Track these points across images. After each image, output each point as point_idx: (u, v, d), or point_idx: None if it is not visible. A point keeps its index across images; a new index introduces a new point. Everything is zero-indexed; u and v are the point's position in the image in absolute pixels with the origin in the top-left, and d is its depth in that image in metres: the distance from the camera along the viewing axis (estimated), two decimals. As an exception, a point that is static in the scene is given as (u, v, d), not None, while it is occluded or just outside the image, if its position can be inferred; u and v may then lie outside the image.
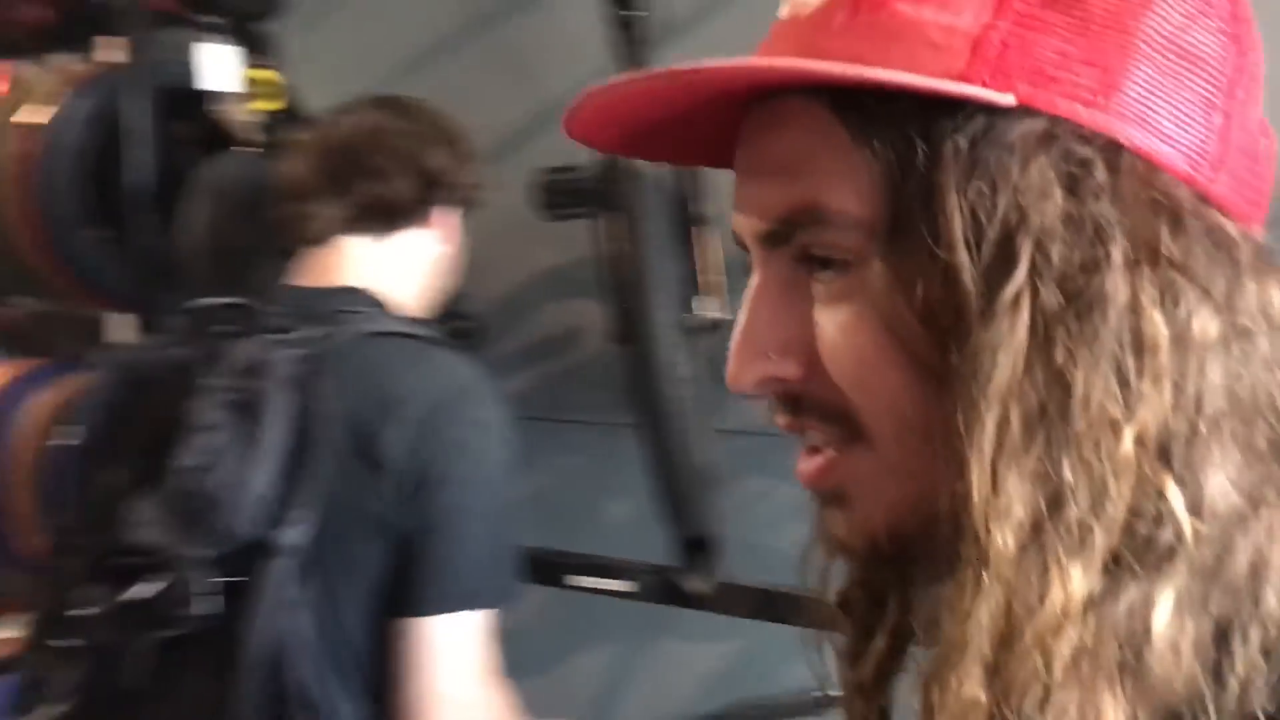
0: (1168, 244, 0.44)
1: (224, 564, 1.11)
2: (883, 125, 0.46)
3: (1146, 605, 0.42)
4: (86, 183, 2.06)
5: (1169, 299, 0.43)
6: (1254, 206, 0.49)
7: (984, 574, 0.43)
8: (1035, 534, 0.42)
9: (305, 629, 1.14)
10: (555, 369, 2.33)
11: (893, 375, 0.47)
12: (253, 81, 1.83)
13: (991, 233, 0.44)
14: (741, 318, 0.52)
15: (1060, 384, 0.43)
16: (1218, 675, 0.42)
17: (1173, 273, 0.44)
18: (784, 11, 0.52)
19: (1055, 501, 0.42)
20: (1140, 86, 0.45)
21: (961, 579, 0.43)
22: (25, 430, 2.30)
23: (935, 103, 0.45)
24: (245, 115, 1.81)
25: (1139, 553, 0.42)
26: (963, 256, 0.44)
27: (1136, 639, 0.41)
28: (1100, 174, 0.44)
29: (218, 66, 1.80)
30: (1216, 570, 0.42)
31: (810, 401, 0.50)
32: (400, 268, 1.39)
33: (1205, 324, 0.43)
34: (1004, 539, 0.42)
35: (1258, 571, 0.43)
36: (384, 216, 1.36)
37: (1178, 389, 0.43)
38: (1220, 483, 0.43)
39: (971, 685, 0.42)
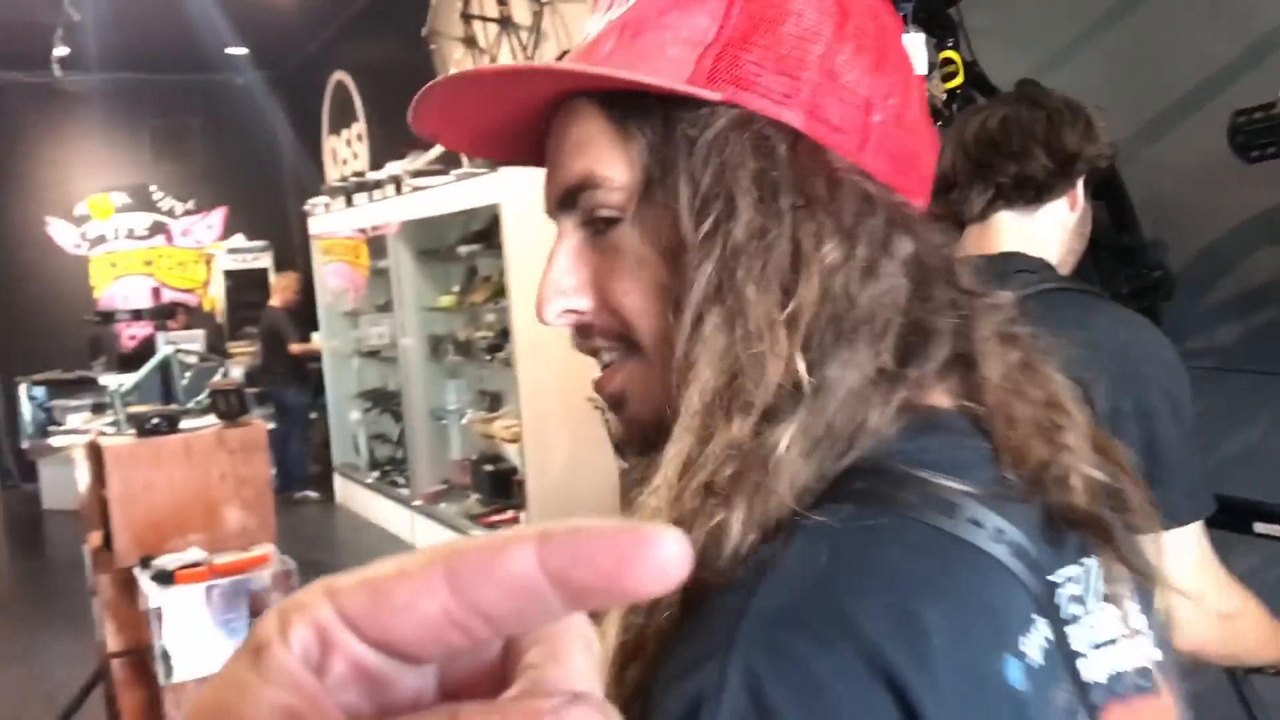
0: (822, 198, 0.62)
1: None
2: (637, 116, 0.64)
3: (778, 442, 0.58)
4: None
5: (818, 236, 0.61)
6: (907, 178, 0.67)
7: (679, 423, 0.61)
8: (715, 395, 0.60)
9: None
10: (1264, 320, 2.18)
11: (650, 300, 0.65)
12: (940, 62, 1.98)
13: (701, 189, 0.62)
14: (547, 267, 0.69)
15: (738, 293, 0.60)
16: (821, 485, 0.58)
17: (823, 218, 0.62)
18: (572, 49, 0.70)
19: (731, 374, 0.60)
20: (811, 93, 0.64)
21: (672, 430, 0.61)
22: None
23: (673, 100, 0.63)
24: (936, 93, 1.98)
25: (781, 408, 0.59)
26: (684, 207, 0.62)
27: (770, 464, 0.57)
28: (781, 149, 0.62)
29: (911, 52, 1.98)
30: (830, 421, 0.59)
31: (599, 328, 0.69)
32: (1046, 237, 1.53)
33: (844, 254, 0.61)
34: (694, 398, 0.60)
35: (857, 424, 0.59)
36: (1029, 192, 1.51)
37: (819, 299, 0.60)
38: (840, 363, 0.60)
39: (656, 498, 0.59)
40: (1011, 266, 1.46)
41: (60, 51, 8.16)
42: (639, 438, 0.69)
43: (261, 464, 3.48)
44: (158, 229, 10.55)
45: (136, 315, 9.47)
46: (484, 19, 6.05)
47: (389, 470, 7.96)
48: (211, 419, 3.62)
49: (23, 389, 9.26)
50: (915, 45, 1.99)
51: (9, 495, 10.04)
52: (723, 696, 0.51)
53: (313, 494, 8.55)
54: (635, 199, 0.65)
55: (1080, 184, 1.54)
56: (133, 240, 10.47)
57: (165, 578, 3.09)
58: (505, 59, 5.87)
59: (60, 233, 10.22)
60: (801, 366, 0.59)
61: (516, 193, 5.12)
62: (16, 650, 5.77)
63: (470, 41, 6.29)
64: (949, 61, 1.96)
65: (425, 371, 7.15)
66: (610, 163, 0.65)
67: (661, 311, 0.65)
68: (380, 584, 0.23)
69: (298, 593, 0.25)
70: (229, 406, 3.48)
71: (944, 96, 1.97)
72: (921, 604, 0.53)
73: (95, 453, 3.70)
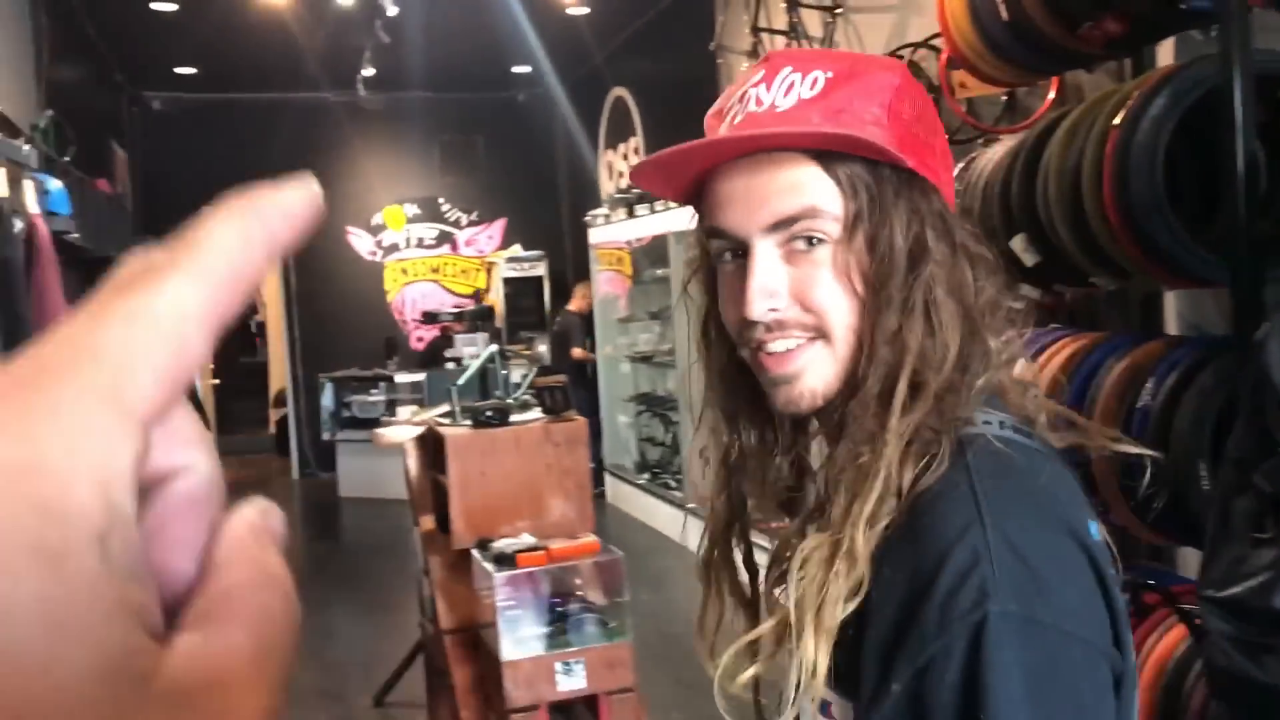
0: (962, 237, 0.95)
1: None
2: (843, 166, 0.92)
3: (969, 390, 0.90)
4: (1160, 172, 2.32)
5: (968, 263, 0.94)
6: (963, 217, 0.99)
7: (900, 384, 0.88)
8: (920, 362, 0.89)
9: None
10: None
11: (846, 301, 0.92)
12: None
13: (912, 231, 0.91)
14: (754, 275, 0.92)
15: (935, 304, 0.90)
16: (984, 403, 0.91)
17: (962, 249, 0.94)
18: (749, 108, 0.95)
19: (931, 346, 0.89)
20: (933, 161, 0.95)
21: (894, 384, 0.89)
22: (1106, 390, 2.68)
23: (874, 160, 0.92)
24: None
25: (959, 373, 0.90)
26: (898, 241, 0.91)
27: (961, 406, 0.89)
28: (936, 202, 0.94)
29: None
30: (986, 379, 0.91)
31: (792, 321, 0.93)
32: None
33: (975, 273, 0.94)
34: (907, 366, 0.89)
35: (1002, 375, 0.94)
36: None
37: (978, 305, 0.92)
38: (986, 336, 0.92)
39: (889, 435, 0.87)
40: None
41: (366, 73, 8.85)
42: (809, 404, 0.95)
43: (583, 457, 3.67)
44: (444, 238, 11.24)
45: (458, 318, 10.11)
46: (773, 32, 6.14)
47: (659, 472, 8.16)
48: (533, 414, 3.86)
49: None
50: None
51: (307, 483, 10.93)
52: (993, 553, 0.78)
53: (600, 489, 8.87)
54: (845, 227, 0.91)
55: None
56: (421, 249, 11.19)
57: (505, 560, 3.31)
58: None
59: (359, 241, 11.05)
60: (992, 343, 0.92)
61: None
62: (324, 626, 6.26)
63: (758, 55, 6.39)
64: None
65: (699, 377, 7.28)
66: (828, 199, 0.91)
67: (854, 310, 0.92)
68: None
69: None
70: (554, 402, 3.70)
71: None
72: (1052, 484, 0.86)
73: (428, 442, 4.01)
